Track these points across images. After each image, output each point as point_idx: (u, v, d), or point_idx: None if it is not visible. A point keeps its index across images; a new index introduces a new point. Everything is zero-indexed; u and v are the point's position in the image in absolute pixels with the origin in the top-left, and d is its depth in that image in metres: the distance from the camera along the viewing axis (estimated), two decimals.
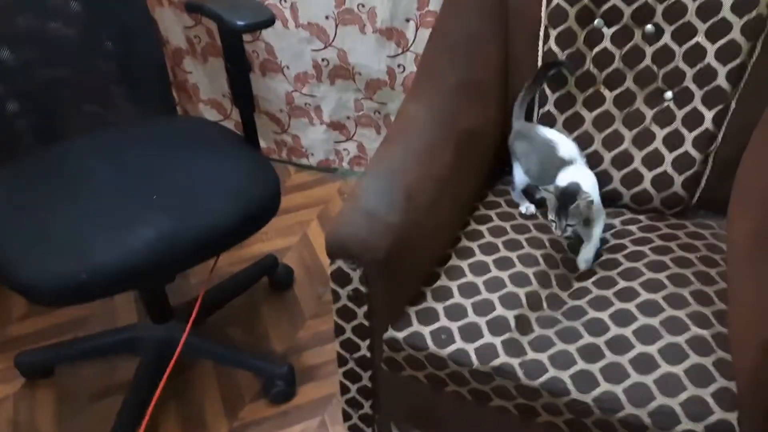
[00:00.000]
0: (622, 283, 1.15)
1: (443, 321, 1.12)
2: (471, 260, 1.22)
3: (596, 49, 1.32)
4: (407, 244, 1.11)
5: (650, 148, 1.31)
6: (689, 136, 1.28)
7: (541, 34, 1.33)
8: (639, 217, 1.32)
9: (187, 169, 1.32)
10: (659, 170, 1.30)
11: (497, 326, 1.10)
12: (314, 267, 1.90)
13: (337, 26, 1.86)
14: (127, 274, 1.16)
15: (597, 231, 1.21)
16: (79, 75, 1.46)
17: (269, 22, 1.25)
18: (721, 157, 1.27)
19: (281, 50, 1.97)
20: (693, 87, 1.26)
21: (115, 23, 1.42)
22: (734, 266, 1.13)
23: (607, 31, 1.31)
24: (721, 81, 1.23)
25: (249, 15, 1.26)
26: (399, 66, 1.88)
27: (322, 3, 1.82)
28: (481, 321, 1.11)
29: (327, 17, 1.84)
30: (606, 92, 1.33)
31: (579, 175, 1.23)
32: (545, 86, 1.35)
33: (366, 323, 1.16)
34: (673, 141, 1.29)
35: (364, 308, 1.14)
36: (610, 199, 1.34)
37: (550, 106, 1.36)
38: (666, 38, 1.27)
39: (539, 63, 1.34)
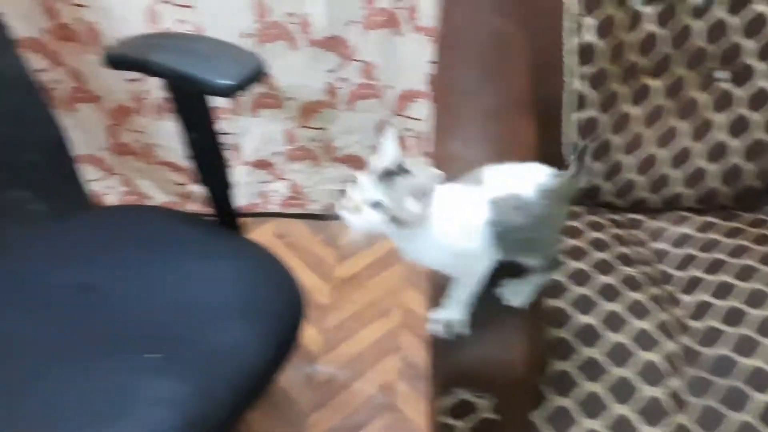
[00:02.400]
0: (754, 312, 0.98)
1: (583, 422, 0.87)
2: (570, 324, 0.98)
3: (636, 33, 1.11)
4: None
5: (712, 139, 1.14)
6: (757, 119, 1.12)
7: (572, 25, 1.09)
8: (712, 220, 1.15)
9: (169, 293, 0.91)
10: (726, 162, 1.14)
11: (651, 413, 0.87)
12: (419, 362, 1.51)
13: (259, 44, 1.48)
14: None
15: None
16: None
17: (260, 74, 0.88)
18: None
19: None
20: (755, 63, 1.10)
21: None
22: None
23: (647, 10, 1.10)
24: None
25: (233, 68, 0.86)
26: (341, 80, 1.55)
27: (238, 18, 1.42)
28: (629, 412, 0.88)
29: (242, 35, 1.45)
30: (653, 82, 1.14)
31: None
32: (585, 84, 1.11)
33: None
34: (738, 127, 1.13)
35: None
36: (670, 203, 1.17)
37: (591, 110, 1.13)
38: (718, 10, 1.09)
39: (577, 60, 1.10)
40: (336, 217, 0.71)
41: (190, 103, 0.93)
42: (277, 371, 0.91)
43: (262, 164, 1.73)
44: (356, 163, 1.73)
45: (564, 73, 1.12)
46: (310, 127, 1.65)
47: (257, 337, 0.88)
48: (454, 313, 0.79)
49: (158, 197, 1.83)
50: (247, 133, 1.66)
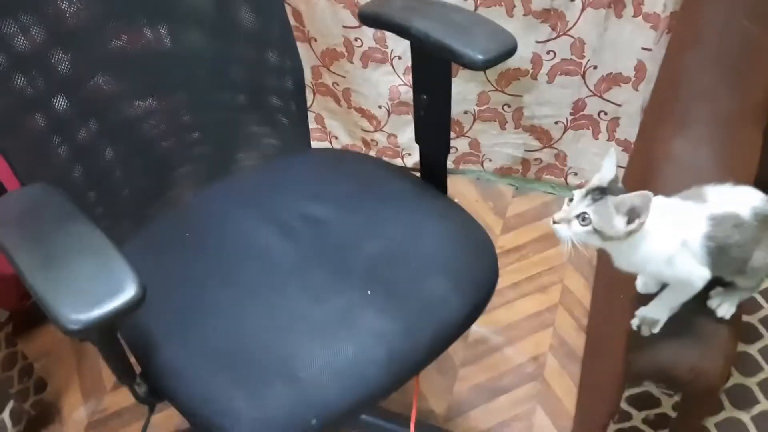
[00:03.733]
0: None
1: None
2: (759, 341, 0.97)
3: None
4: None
5: None
6: None
7: None
8: None
9: (387, 239, 0.99)
10: None
11: None
12: (571, 341, 1.55)
13: (476, 8, 1.51)
14: (360, 407, 0.87)
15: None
16: (200, 101, 1.11)
17: (512, 53, 0.92)
18: None
19: (395, 38, 1.60)
20: None
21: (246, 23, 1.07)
22: None
23: None
24: None
25: (488, 43, 0.90)
26: (549, 53, 1.56)
27: None
28: None
29: None
30: None
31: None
32: None
33: None
34: None
35: None
36: None
37: None
38: None
39: None
40: None
41: (433, 68, 0.98)
42: (466, 329, 0.98)
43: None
44: (540, 134, 1.75)
45: None
46: (505, 93, 1.67)
47: (458, 297, 0.94)
48: (658, 313, 0.83)
49: (343, 139, 1.95)
50: None
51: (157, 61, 1.04)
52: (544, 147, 1.78)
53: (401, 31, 0.99)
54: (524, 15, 1.49)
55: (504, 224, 1.79)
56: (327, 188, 1.09)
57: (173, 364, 0.86)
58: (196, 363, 0.86)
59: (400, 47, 1.64)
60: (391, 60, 1.67)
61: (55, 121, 0.92)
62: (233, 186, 1.13)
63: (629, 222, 0.75)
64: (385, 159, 1.92)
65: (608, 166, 0.79)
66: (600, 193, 0.77)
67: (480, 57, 0.88)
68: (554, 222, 0.78)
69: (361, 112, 1.83)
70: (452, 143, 1.84)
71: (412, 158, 1.89)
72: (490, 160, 1.86)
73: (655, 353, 0.82)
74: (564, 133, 1.73)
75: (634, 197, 0.74)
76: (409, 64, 1.62)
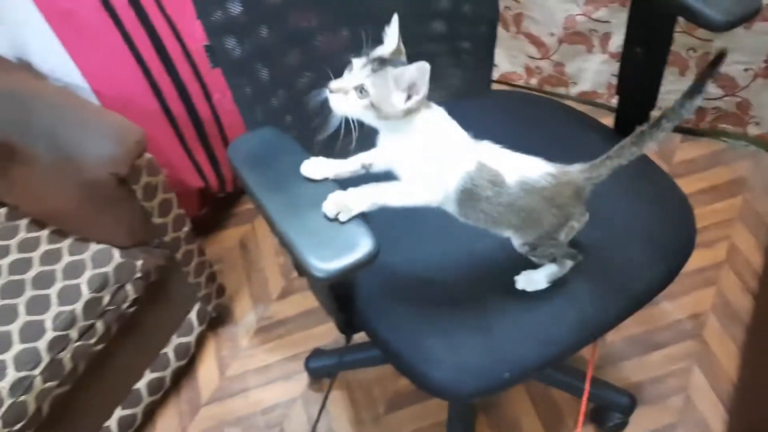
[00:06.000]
0: None
1: None
2: None
3: None
4: None
5: None
6: None
7: None
8: None
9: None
10: None
11: None
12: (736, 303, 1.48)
13: None
14: (548, 365, 0.89)
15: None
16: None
17: (757, 11, 0.83)
18: None
19: None
20: None
21: None
22: None
23: None
24: None
25: (733, 6, 0.82)
26: None
27: None
28: None
29: None
30: None
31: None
32: None
33: None
34: None
35: None
36: None
37: None
38: None
39: None
40: None
41: (656, 22, 0.92)
42: (654, 296, 0.96)
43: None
44: (725, 81, 1.62)
45: None
46: (693, 35, 1.55)
47: (653, 268, 0.93)
48: (356, 202, 0.72)
49: (503, 66, 1.89)
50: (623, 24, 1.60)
51: None
52: (726, 95, 1.64)
53: None
54: None
55: (670, 170, 1.71)
56: (516, 137, 1.07)
57: (378, 304, 0.91)
58: (398, 308, 0.90)
59: None
60: None
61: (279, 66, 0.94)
62: None
63: (408, 99, 0.70)
64: (547, 87, 1.87)
65: (391, 35, 0.73)
66: (380, 63, 0.71)
67: (720, 18, 0.82)
68: (330, 92, 0.72)
69: (530, 38, 1.76)
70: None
71: (577, 87, 1.82)
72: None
73: None
74: (752, 81, 1.59)
75: (412, 69, 0.69)
76: None
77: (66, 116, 1.12)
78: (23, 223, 1.26)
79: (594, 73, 1.76)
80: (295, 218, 0.72)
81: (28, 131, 1.12)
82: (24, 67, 1.28)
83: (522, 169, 0.77)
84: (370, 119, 0.73)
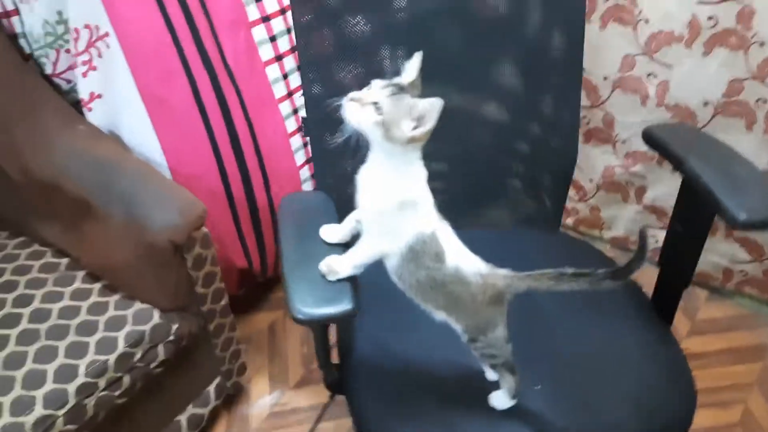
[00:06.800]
0: None
1: None
2: None
3: None
4: None
5: None
6: None
7: None
8: None
9: (584, 343, 1.02)
10: None
11: None
12: None
13: (713, 117, 1.50)
14: None
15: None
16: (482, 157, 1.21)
17: None
18: None
19: (623, 125, 1.65)
20: None
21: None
22: None
23: None
24: None
25: (757, 203, 0.87)
26: None
27: (705, 85, 1.47)
28: None
29: (705, 104, 1.49)
30: None
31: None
32: None
33: None
34: None
35: None
36: None
37: None
38: None
39: None
40: None
41: (697, 207, 0.96)
42: None
43: (656, 210, 1.78)
44: (752, 247, 1.68)
45: None
46: None
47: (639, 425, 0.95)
48: (342, 265, 0.82)
49: None
50: (659, 181, 1.71)
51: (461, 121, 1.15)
52: (754, 260, 1.71)
53: (676, 163, 0.99)
54: (765, 133, 1.46)
55: (692, 326, 1.74)
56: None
57: (364, 371, 0.97)
58: (380, 382, 0.96)
59: (625, 133, 1.67)
60: (614, 142, 1.70)
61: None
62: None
63: (415, 128, 0.76)
64: (582, 228, 1.96)
65: (411, 69, 0.80)
66: (398, 89, 0.77)
67: (743, 216, 0.85)
68: (349, 100, 0.77)
69: (574, 185, 1.88)
70: (654, 233, 1.81)
71: (610, 232, 1.90)
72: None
73: None
74: None
75: (426, 103, 0.75)
76: (631, 149, 1.67)
77: (142, 185, 1.26)
78: (80, 274, 1.37)
79: (628, 221, 1.85)
80: (298, 269, 0.83)
81: (107, 193, 1.25)
82: (114, 139, 1.44)
83: (461, 259, 0.83)
84: (376, 137, 0.78)
